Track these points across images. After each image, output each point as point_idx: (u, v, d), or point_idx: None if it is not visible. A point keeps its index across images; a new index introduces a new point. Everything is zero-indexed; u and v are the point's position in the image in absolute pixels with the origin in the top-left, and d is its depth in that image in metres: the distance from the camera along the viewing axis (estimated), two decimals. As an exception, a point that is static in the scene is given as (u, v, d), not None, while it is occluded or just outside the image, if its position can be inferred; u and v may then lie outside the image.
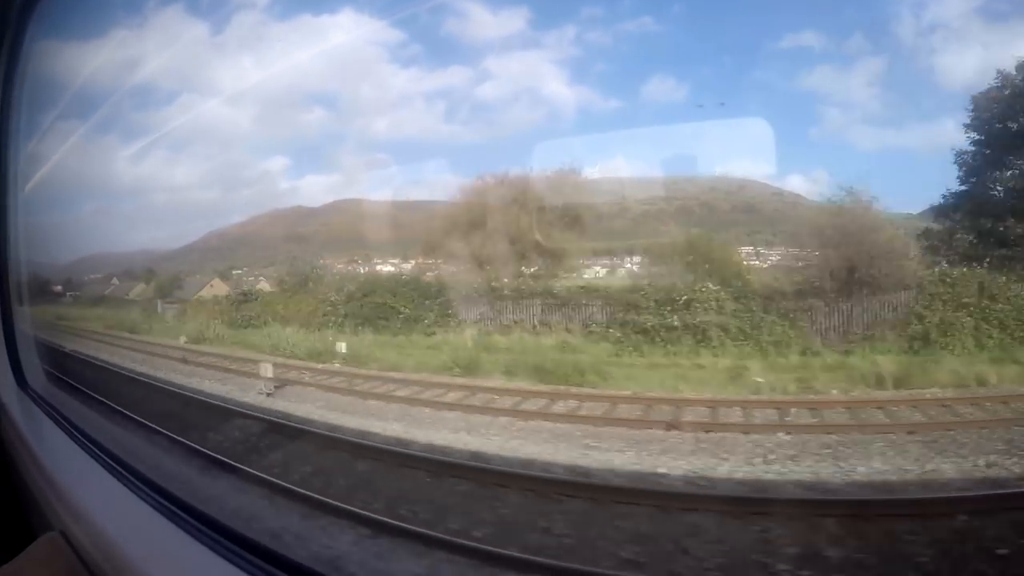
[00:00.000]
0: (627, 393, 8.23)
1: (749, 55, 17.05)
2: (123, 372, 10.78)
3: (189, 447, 5.88)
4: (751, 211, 16.96)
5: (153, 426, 6.47)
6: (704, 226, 15.19)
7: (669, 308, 11.14)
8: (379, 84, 25.21)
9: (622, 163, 21.97)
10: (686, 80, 22.21)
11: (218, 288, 19.51)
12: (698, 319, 10.80)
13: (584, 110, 20.68)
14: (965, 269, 10.38)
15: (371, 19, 23.57)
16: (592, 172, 15.23)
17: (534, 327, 12.40)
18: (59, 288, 21.81)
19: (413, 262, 17.77)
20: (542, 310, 12.58)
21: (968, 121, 11.40)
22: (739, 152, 16.66)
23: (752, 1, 15.13)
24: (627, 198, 15.66)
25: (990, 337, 9.37)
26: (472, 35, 27.65)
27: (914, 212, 13.49)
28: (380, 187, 32.06)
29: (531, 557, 3.69)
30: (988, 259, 10.63)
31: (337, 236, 21.72)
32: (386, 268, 18.47)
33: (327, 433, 6.76)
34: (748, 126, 13.25)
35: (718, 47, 18.04)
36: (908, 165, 15.38)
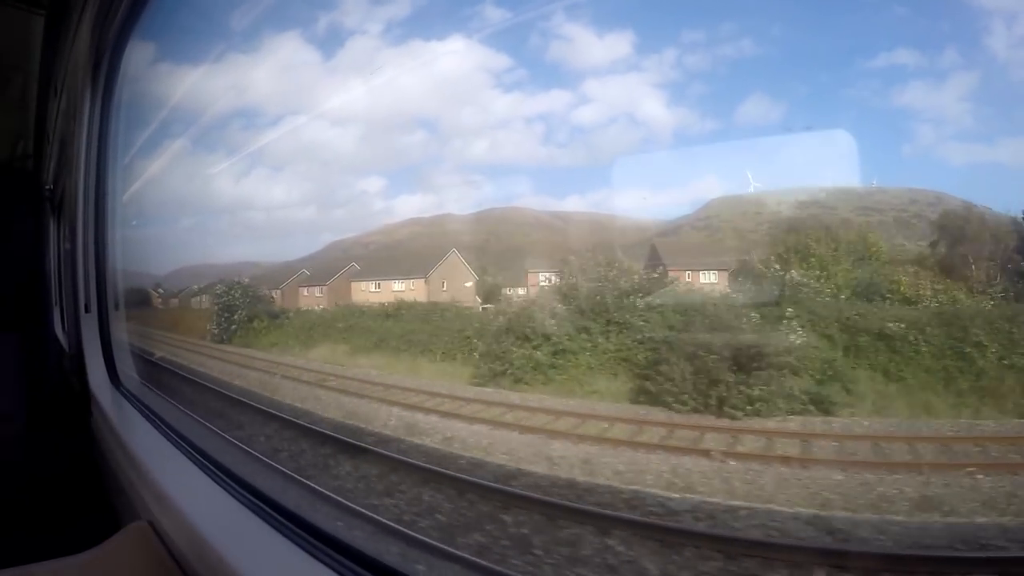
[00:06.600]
0: None
1: (842, 73, 16.29)
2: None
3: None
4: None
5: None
6: (928, 239, 13.91)
7: None
8: (482, 107, 25.70)
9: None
10: (782, 99, 21.46)
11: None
12: None
13: (680, 133, 20.32)
14: None
15: (479, 45, 23.79)
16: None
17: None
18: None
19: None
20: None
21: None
22: (831, 168, 15.76)
23: (847, 18, 14.59)
24: (838, 208, 14.71)
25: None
26: (575, 59, 27.43)
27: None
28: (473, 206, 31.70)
29: None
30: None
31: (512, 246, 19.66)
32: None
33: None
34: (835, 140, 12.48)
35: (814, 65, 17.55)
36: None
